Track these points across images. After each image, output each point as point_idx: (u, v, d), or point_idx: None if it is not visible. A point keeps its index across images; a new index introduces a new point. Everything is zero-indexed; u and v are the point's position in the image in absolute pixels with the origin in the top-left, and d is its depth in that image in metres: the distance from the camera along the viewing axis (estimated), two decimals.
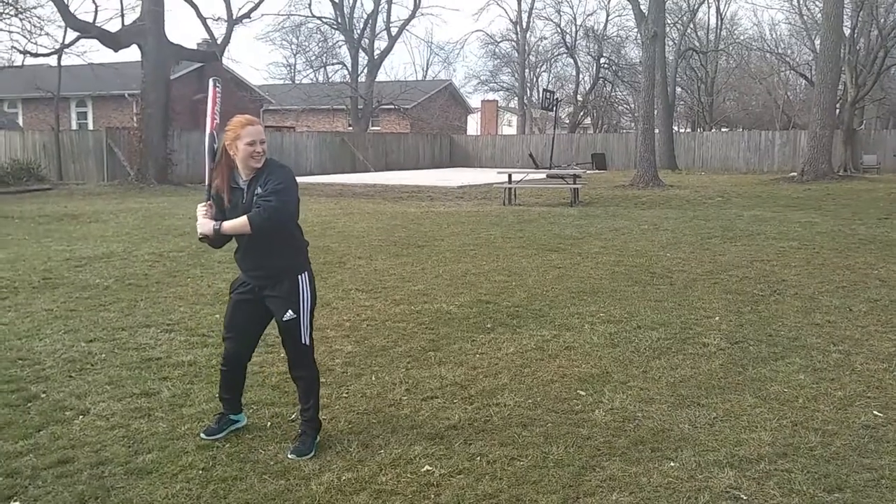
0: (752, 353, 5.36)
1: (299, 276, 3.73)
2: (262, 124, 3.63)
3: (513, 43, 54.99)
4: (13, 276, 8.15)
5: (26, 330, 5.96)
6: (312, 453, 3.70)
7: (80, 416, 4.17)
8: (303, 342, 3.74)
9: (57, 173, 24.69)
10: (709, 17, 51.08)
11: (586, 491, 3.33)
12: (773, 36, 53.04)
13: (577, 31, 51.38)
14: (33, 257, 9.42)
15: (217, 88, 3.78)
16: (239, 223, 3.56)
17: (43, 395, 4.48)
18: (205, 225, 3.62)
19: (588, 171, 27.63)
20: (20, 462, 3.60)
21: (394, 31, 43.12)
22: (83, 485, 3.38)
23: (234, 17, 27.09)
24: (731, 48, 49.18)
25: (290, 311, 3.68)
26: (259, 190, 3.56)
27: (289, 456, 3.66)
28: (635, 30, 36.14)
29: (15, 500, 3.25)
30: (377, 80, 42.18)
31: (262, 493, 3.32)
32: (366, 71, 41.92)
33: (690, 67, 47.14)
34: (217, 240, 3.70)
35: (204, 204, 3.67)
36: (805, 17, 38.69)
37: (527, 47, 53.87)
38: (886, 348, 5.46)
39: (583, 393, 4.56)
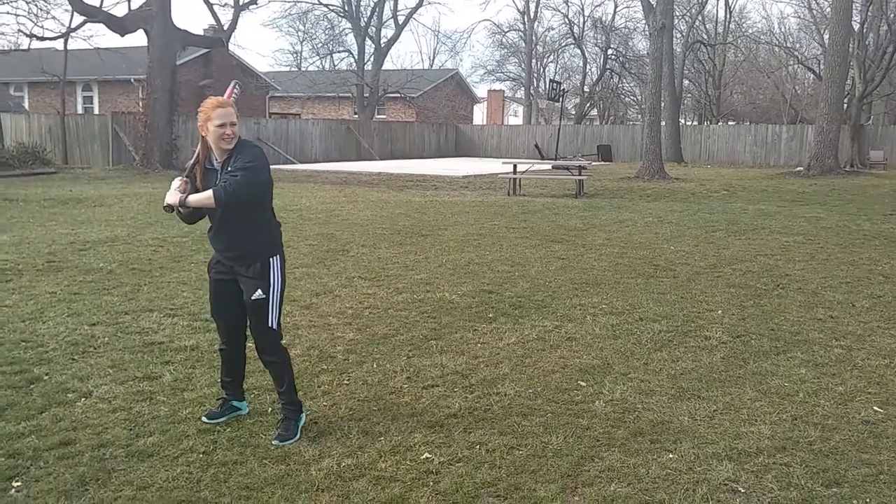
0: (754, 346, 5.36)
1: (271, 259, 3.76)
2: (233, 107, 3.65)
3: (520, 33, 54.83)
4: (17, 259, 8.18)
5: (30, 312, 5.99)
6: (297, 437, 3.72)
7: (83, 399, 4.19)
8: (269, 325, 3.74)
9: (62, 157, 24.71)
10: (717, 10, 51.02)
11: (585, 481, 3.35)
12: (782, 30, 52.91)
13: (584, 22, 51.18)
14: (38, 240, 9.45)
15: (236, 89, 3.86)
16: (204, 196, 3.60)
17: (45, 378, 4.51)
18: (172, 195, 3.68)
19: (593, 163, 27.51)
20: (22, 443, 3.63)
21: (401, 19, 42.95)
22: (84, 466, 3.40)
23: (241, 3, 27.02)
24: (739, 41, 48.89)
25: (259, 290, 3.70)
26: (230, 168, 3.61)
27: (272, 442, 3.67)
28: (643, 21, 35.93)
29: (17, 481, 3.28)
30: (383, 68, 42.02)
31: (262, 477, 3.34)
32: (372, 59, 41.79)
33: (698, 60, 46.88)
34: (187, 215, 3.75)
35: (181, 178, 3.73)
36: (814, 11, 38.53)
37: (534, 37, 53.65)
38: (888, 344, 5.46)
39: (583, 384, 4.57)
